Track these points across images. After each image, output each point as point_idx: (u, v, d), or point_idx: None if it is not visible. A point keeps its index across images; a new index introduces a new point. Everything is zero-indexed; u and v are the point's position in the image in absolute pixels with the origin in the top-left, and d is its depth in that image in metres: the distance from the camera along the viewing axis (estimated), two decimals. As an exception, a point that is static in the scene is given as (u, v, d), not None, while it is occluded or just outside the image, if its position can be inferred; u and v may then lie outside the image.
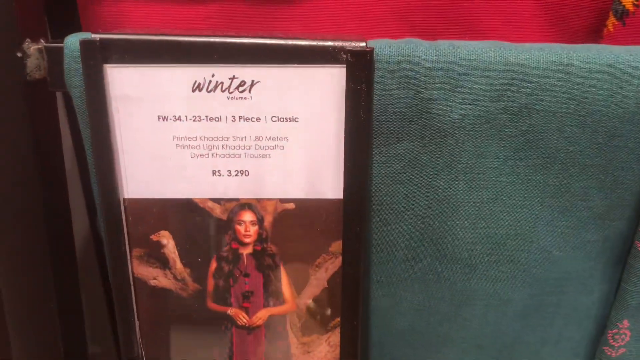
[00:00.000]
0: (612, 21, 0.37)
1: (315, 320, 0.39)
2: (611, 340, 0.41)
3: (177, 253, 0.38)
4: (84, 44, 0.33)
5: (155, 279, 0.38)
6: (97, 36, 0.33)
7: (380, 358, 0.44)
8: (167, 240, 0.37)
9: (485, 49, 0.33)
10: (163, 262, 0.38)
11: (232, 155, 0.36)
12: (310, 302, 0.39)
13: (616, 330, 0.41)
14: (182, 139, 0.35)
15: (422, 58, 0.33)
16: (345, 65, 0.33)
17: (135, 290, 0.38)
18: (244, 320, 0.39)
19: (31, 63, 0.35)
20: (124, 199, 0.36)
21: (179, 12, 0.40)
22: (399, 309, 0.41)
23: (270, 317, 0.39)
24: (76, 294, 0.44)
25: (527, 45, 0.34)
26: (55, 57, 0.35)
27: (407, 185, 0.37)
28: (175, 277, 0.38)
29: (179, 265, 0.38)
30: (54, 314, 0.40)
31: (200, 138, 0.35)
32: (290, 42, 0.33)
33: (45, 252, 0.40)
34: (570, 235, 0.38)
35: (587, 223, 0.38)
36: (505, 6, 0.39)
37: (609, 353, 0.41)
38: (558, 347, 0.43)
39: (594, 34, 0.39)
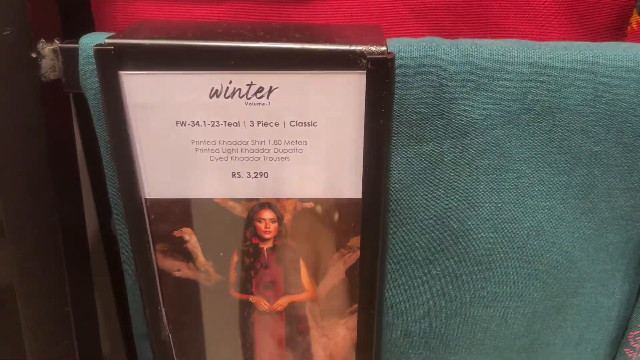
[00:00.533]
0: (636, 19, 0.37)
1: (333, 307, 0.40)
2: (632, 342, 0.40)
3: (199, 248, 0.38)
4: (99, 52, 0.32)
5: (179, 270, 0.39)
6: (111, 41, 0.33)
7: (397, 359, 0.43)
8: (189, 237, 0.38)
9: (509, 48, 0.33)
10: (186, 256, 0.39)
11: (251, 158, 0.35)
12: (328, 291, 0.39)
13: (637, 332, 0.40)
14: (201, 143, 0.35)
15: (444, 57, 0.33)
16: (365, 71, 0.32)
17: (160, 280, 0.39)
18: (265, 307, 0.40)
19: (46, 64, 0.35)
20: (146, 199, 0.36)
21: (192, 11, 0.40)
22: (416, 310, 0.41)
23: (290, 303, 0.40)
24: (90, 296, 0.44)
25: (552, 43, 0.33)
26: (70, 58, 0.35)
27: (427, 186, 0.36)
28: (198, 269, 0.39)
29: (201, 258, 0.39)
30: (69, 316, 0.40)
31: (219, 142, 0.35)
32: (308, 46, 0.32)
33: (60, 254, 0.39)
34: (593, 236, 0.37)
35: (610, 224, 0.37)
36: (525, 4, 0.38)
37: (629, 355, 0.41)
38: (578, 349, 0.42)
39: (617, 31, 0.38)
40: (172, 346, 0.42)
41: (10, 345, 0.64)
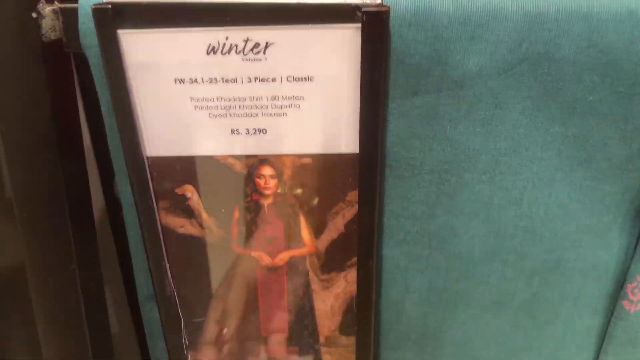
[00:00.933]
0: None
1: (333, 260, 0.41)
2: (630, 295, 0.41)
3: (201, 204, 0.39)
4: (97, 12, 0.33)
5: (182, 227, 0.40)
6: (109, 0, 0.33)
7: (397, 317, 0.44)
8: (191, 194, 0.39)
9: (503, -2, 0.33)
10: (189, 213, 0.39)
11: (250, 115, 0.36)
12: (328, 245, 0.40)
13: (635, 284, 0.41)
14: (200, 100, 0.36)
15: (439, 9, 0.33)
16: (360, 24, 0.32)
17: (164, 237, 0.40)
18: (267, 261, 0.41)
19: (46, 24, 0.35)
20: (148, 157, 0.37)
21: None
22: (415, 266, 0.42)
23: (291, 258, 0.41)
24: (95, 260, 0.45)
25: (545, -7, 0.33)
26: (69, 18, 0.35)
27: (424, 140, 0.37)
28: (201, 225, 0.40)
29: (204, 215, 0.39)
30: (75, 275, 0.41)
31: (217, 99, 0.36)
32: (303, 0, 0.33)
33: (65, 218, 0.40)
34: (589, 188, 0.38)
35: (606, 175, 0.37)
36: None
37: (627, 307, 0.41)
38: (577, 304, 0.43)
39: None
40: (177, 302, 0.43)
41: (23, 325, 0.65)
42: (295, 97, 0.35)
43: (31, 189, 0.39)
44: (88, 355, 0.45)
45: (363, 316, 0.42)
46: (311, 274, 0.41)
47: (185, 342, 0.45)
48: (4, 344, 0.66)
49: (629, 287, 0.41)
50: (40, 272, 0.42)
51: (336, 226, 0.39)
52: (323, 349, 0.44)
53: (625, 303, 0.41)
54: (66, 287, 0.42)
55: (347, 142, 0.36)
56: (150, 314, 0.47)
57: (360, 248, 0.39)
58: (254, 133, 0.36)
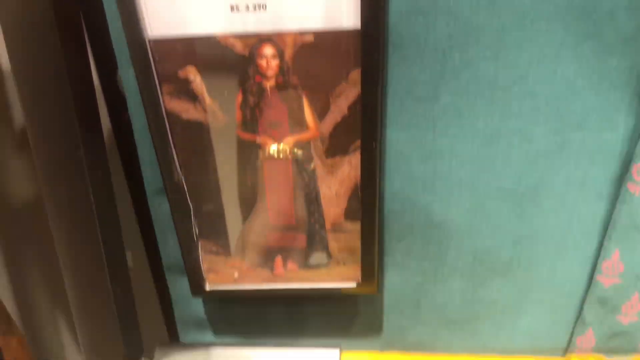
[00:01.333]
0: None
1: (337, 144, 0.41)
2: (635, 176, 0.41)
3: (204, 88, 0.39)
4: None
5: (186, 111, 0.40)
6: None
7: (401, 205, 0.45)
8: (194, 76, 0.39)
9: None
10: (192, 97, 0.40)
11: (249, -10, 0.35)
12: (332, 128, 0.40)
13: (641, 165, 0.40)
14: None
15: None
16: None
17: (169, 123, 0.41)
18: (272, 147, 0.41)
19: None
20: (149, 40, 0.37)
21: None
22: (420, 152, 0.42)
23: (296, 143, 0.41)
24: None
25: None
26: None
27: (428, 15, 0.36)
28: (205, 110, 0.40)
29: (207, 99, 0.40)
30: (82, 161, 0.41)
31: None
32: None
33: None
34: (595, 63, 0.37)
35: (613, 48, 0.36)
36: None
37: (632, 190, 0.41)
38: (582, 189, 0.43)
39: None
40: (186, 190, 0.43)
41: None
42: (295, -32, 0.35)
43: (38, 94, 0.39)
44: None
45: (367, 201, 0.43)
46: (316, 159, 0.42)
47: (196, 232, 0.46)
48: (23, 270, 0.68)
49: (634, 167, 0.40)
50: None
51: (339, 108, 0.39)
52: (330, 235, 0.45)
53: (630, 185, 0.41)
54: (81, 191, 0.43)
55: (348, 15, 0.36)
56: (160, 208, 0.48)
57: (363, 130, 0.40)
58: (254, 9, 0.36)
